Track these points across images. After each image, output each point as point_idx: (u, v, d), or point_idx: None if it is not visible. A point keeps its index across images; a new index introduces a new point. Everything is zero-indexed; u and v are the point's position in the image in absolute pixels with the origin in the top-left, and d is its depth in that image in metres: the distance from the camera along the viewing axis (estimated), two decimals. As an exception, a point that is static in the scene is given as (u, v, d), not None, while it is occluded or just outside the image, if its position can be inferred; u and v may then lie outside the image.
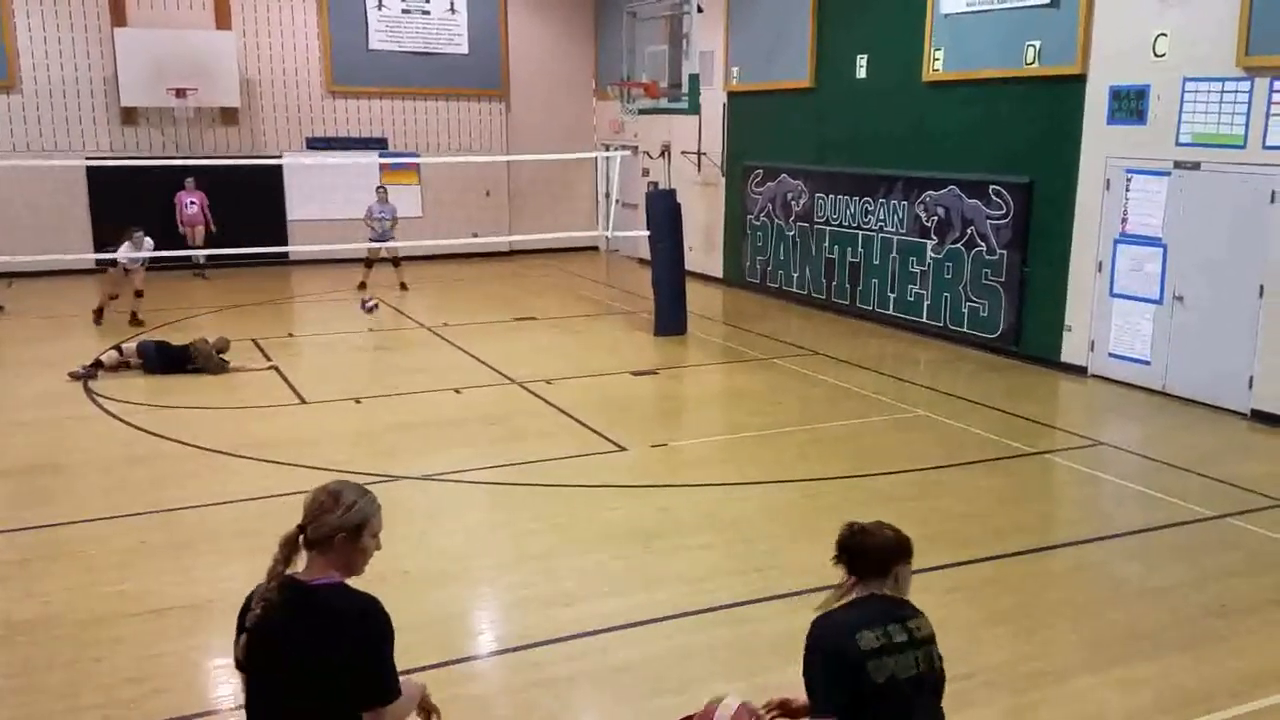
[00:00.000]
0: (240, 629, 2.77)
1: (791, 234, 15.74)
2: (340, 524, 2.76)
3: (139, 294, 13.99)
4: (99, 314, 13.67)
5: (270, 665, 2.71)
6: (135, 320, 13.63)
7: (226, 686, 5.11)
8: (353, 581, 2.84)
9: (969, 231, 12.47)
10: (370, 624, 2.74)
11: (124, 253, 13.67)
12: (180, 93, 17.49)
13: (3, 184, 16.60)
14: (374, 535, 2.88)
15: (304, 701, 2.69)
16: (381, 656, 2.74)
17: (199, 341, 11.40)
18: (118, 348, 11.34)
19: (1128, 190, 10.60)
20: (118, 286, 13.97)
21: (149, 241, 13.72)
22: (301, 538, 2.76)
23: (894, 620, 2.96)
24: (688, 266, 14.17)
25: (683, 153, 18.23)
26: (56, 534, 6.87)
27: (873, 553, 3.06)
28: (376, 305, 13.86)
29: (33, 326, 13.87)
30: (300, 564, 2.80)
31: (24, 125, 17.40)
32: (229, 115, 18.58)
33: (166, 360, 11.21)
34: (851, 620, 2.95)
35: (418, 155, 19.64)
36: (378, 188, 16.97)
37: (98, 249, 16.83)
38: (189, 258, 16.96)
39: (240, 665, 2.77)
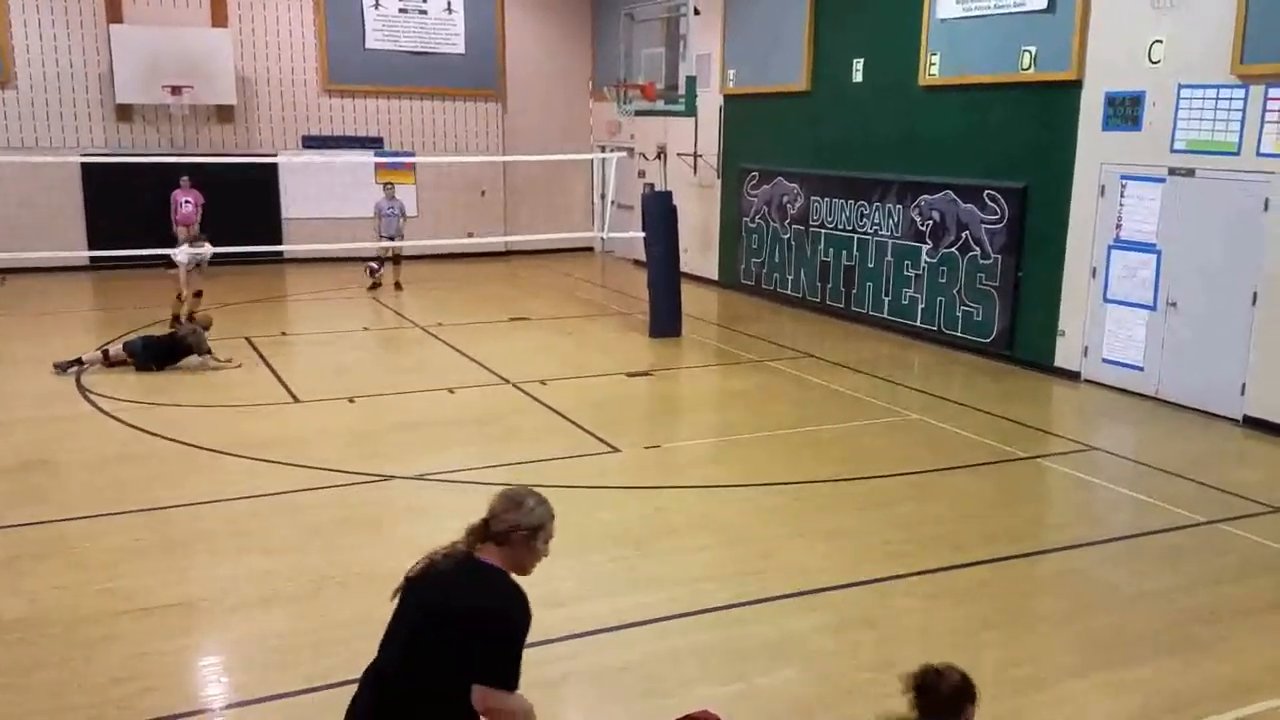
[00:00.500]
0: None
1: (787, 237, 15.76)
2: (519, 522, 3.10)
3: (197, 294, 13.67)
4: (176, 320, 13.10)
5: (414, 615, 3.04)
6: (179, 321, 13.21)
7: (217, 685, 5.12)
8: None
9: (964, 236, 12.50)
10: (515, 611, 3.01)
11: (183, 252, 13.39)
12: (176, 90, 17.47)
13: (-3, 180, 16.58)
14: (546, 540, 3.19)
15: (431, 655, 2.97)
16: (516, 644, 3.01)
17: (182, 324, 11.35)
18: (104, 350, 11.28)
19: (1122, 196, 10.63)
20: (182, 286, 13.54)
21: (208, 246, 13.50)
22: (485, 529, 3.10)
23: None
24: (683, 268, 14.18)
25: (679, 154, 18.24)
26: (47, 532, 6.85)
27: (949, 695, 3.20)
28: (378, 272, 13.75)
29: (27, 324, 13.84)
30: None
31: (19, 121, 17.36)
32: (225, 113, 18.55)
33: (156, 353, 11.17)
34: None
35: (413, 155, 19.62)
36: (385, 184, 16.97)
37: (92, 247, 16.82)
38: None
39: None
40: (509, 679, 2.99)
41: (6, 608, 5.72)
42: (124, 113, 17.95)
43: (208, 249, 13.43)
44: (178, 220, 16.88)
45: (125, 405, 9.80)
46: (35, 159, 16.48)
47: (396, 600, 3.16)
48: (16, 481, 7.86)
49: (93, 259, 16.75)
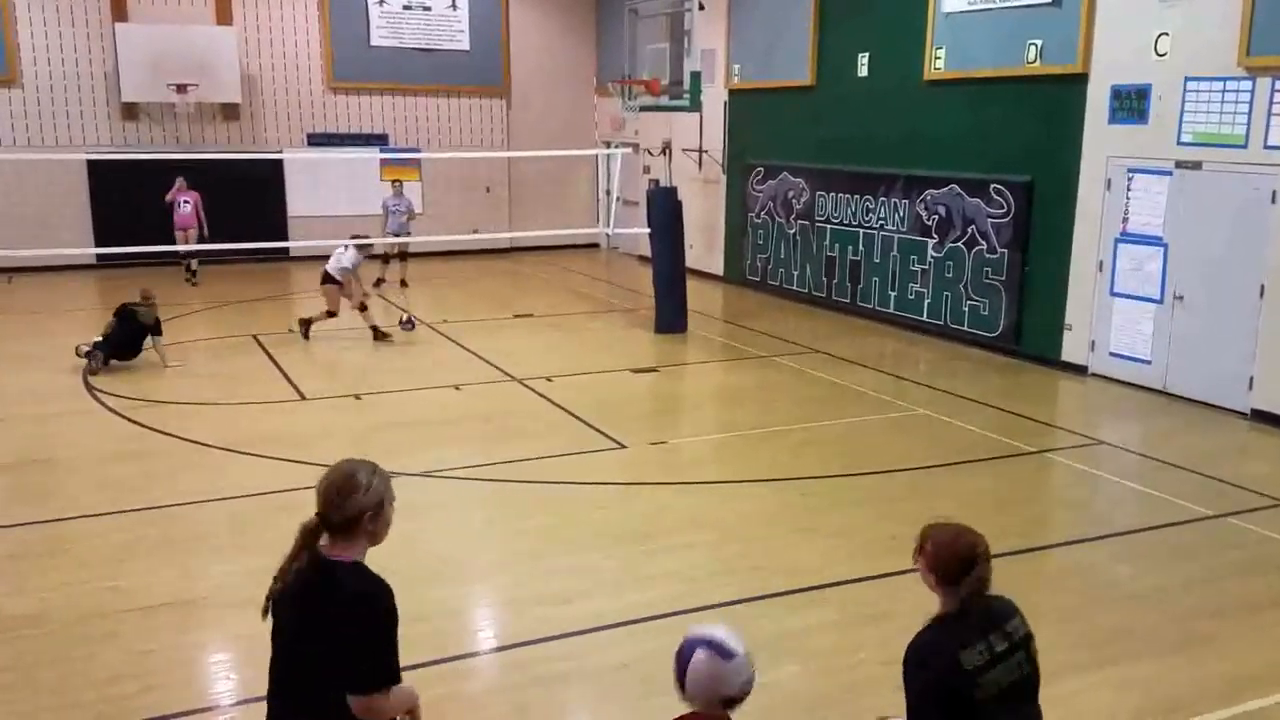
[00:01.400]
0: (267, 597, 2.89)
1: (792, 232, 15.72)
2: (364, 505, 2.87)
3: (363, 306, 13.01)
4: (306, 326, 12.71)
5: (285, 633, 2.87)
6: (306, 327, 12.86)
7: (219, 683, 5.12)
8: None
9: (970, 230, 12.45)
10: (376, 608, 2.82)
11: (332, 264, 12.79)
12: (181, 88, 17.48)
13: (3, 178, 16.60)
14: (391, 503, 3.00)
15: (307, 671, 2.80)
16: (379, 642, 2.80)
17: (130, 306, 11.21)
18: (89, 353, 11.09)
19: (1129, 190, 10.58)
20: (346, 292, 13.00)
21: (350, 252, 12.65)
22: (326, 524, 2.86)
23: (991, 630, 2.94)
24: (688, 264, 14.16)
25: (684, 150, 18.21)
26: (50, 530, 6.87)
27: (943, 559, 3.00)
28: (412, 323, 13.13)
29: (33, 322, 13.88)
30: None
31: (24, 120, 17.40)
32: (230, 111, 18.57)
33: (117, 343, 10.97)
34: (951, 641, 2.90)
35: (419, 151, 19.62)
36: (393, 181, 16.92)
37: (98, 244, 16.86)
38: (182, 258, 16.64)
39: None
40: (387, 676, 2.81)
41: (9, 605, 5.73)
42: (129, 111, 17.98)
43: (349, 253, 12.62)
44: (177, 224, 16.42)
45: (131, 403, 9.82)
46: (41, 157, 16.52)
47: (269, 618, 2.94)
48: (21, 478, 7.88)
49: (99, 257, 16.78)
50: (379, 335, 12.63)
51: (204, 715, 4.78)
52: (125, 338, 11.11)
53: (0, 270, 15.43)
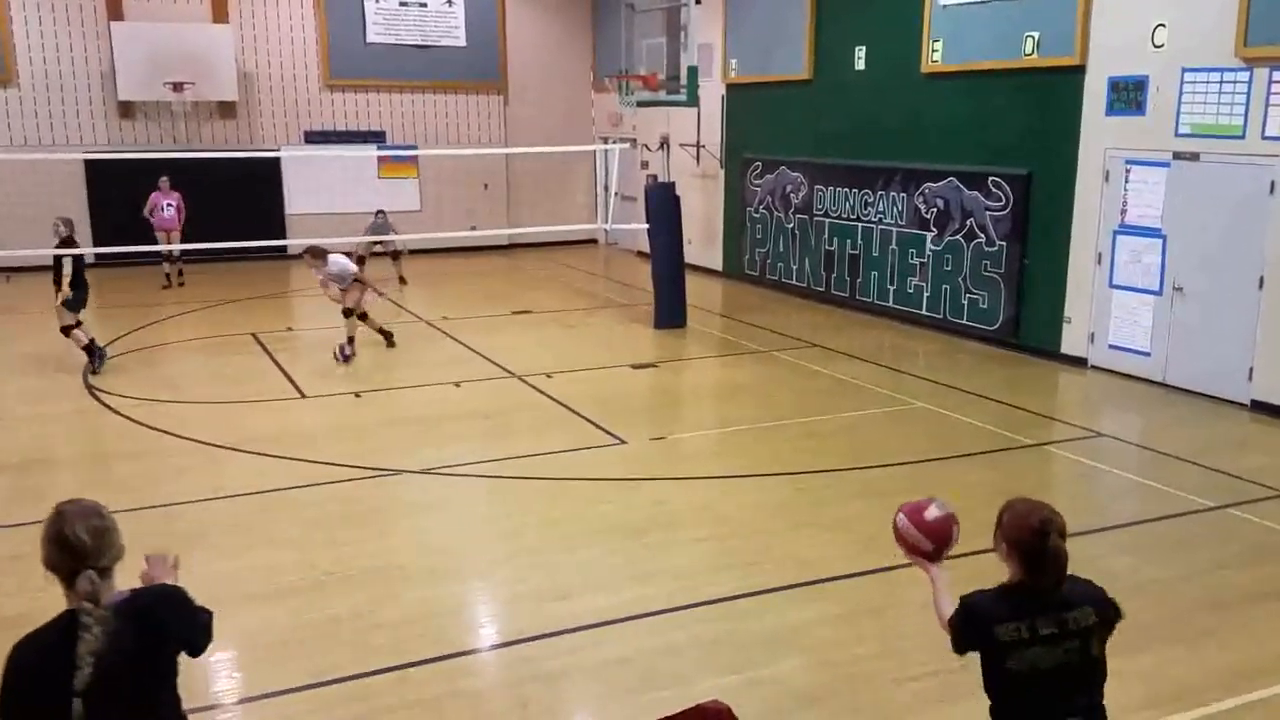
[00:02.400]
0: (62, 669, 2.64)
1: (791, 226, 15.71)
2: (119, 542, 2.86)
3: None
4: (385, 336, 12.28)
5: (117, 683, 2.67)
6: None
7: (221, 681, 5.12)
8: None
9: (968, 223, 12.45)
10: (181, 598, 3.00)
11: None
12: (177, 87, 17.47)
13: (1, 178, 16.56)
14: None
15: (149, 693, 2.81)
16: (198, 620, 3.04)
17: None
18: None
19: (1127, 181, 10.57)
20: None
21: (337, 259, 11.88)
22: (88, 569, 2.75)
23: (1043, 612, 2.95)
24: (687, 259, 14.14)
25: (681, 145, 18.20)
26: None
27: (1016, 534, 3.05)
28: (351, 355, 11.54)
29: (32, 321, 13.86)
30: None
31: (21, 119, 17.38)
32: (226, 109, 18.55)
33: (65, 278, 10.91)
34: (993, 612, 2.99)
35: (416, 148, 19.60)
36: (376, 212, 16.61)
37: (96, 244, 16.83)
38: (169, 259, 16.41)
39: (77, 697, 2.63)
40: (211, 631, 3.07)
41: (10, 605, 5.73)
42: (126, 110, 17.96)
43: (337, 260, 11.90)
44: (158, 225, 16.10)
45: (131, 402, 9.81)
46: (38, 157, 16.49)
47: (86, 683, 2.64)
48: (21, 478, 7.88)
49: (97, 256, 16.75)
50: (385, 336, 12.22)
51: (209, 713, 4.78)
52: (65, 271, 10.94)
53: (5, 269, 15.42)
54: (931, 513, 3.46)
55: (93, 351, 10.93)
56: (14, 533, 6.78)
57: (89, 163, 17.24)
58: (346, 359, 11.46)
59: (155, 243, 15.89)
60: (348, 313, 11.80)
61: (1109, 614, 3.08)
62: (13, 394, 10.34)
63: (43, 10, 17.31)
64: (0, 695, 2.62)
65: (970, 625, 3.02)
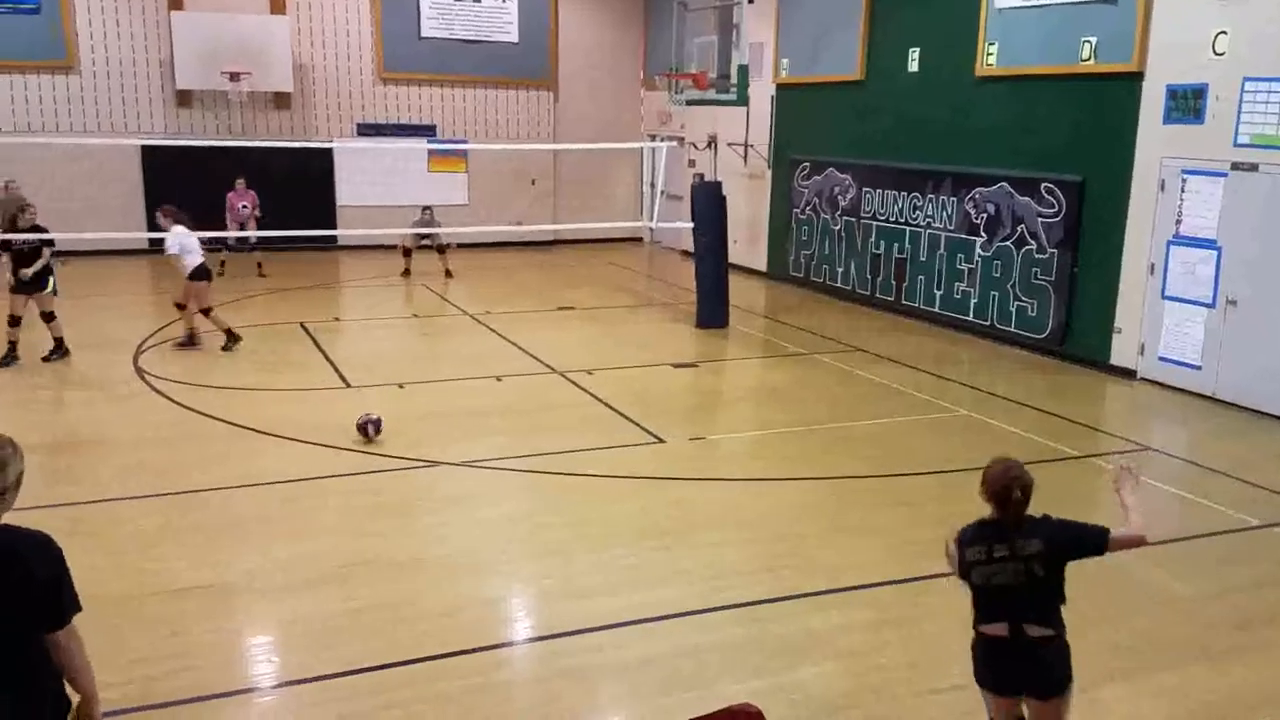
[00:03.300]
0: None
1: (837, 228, 15.61)
2: (16, 476, 3.03)
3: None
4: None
5: None
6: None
7: (252, 667, 5.19)
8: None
9: (1019, 229, 12.28)
10: (52, 551, 3.01)
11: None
12: (234, 77, 17.72)
13: (60, 163, 16.93)
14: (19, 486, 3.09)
15: (5, 634, 2.88)
16: (67, 579, 3.01)
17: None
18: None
19: (1182, 191, 10.37)
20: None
21: (179, 239, 11.60)
22: None
23: (1000, 540, 3.88)
24: (731, 259, 14.11)
25: (729, 144, 18.15)
26: (91, 510, 7.00)
27: (989, 484, 3.99)
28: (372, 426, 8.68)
29: (86, 304, 14.15)
30: None
31: (81, 106, 17.74)
32: (282, 100, 18.80)
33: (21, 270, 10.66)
34: (968, 536, 3.98)
35: (466, 142, 19.73)
36: (423, 208, 16.85)
37: (151, 229, 17.13)
38: (233, 247, 16.73)
39: None
40: (78, 602, 3.05)
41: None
42: (184, 98, 18.27)
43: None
44: (233, 220, 16.32)
45: (179, 386, 9.98)
46: (97, 142, 16.83)
47: None
48: (68, 459, 8.05)
49: (152, 241, 17.04)
50: (191, 341, 11.68)
51: (242, 697, 4.86)
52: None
53: (55, 253, 15.73)
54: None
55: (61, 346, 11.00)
56: (55, 512, 6.92)
57: (146, 149, 17.56)
58: (194, 344, 11.54)
59: (214, 227, 15.97)
60: (179, 306, 11.69)
61: (1061, 547, 3.92)
62: (65, 375, 10.56)
63: (105, -1, 17.68)
64: None
65: (958, 546, 3.97)
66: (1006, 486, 3.92)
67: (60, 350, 10.95)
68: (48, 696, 3.01)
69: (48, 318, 10.89)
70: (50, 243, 10.95)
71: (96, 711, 3.13)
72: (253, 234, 16.01)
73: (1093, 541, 4.00)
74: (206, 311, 11.52)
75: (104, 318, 13.18)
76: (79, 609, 3.06)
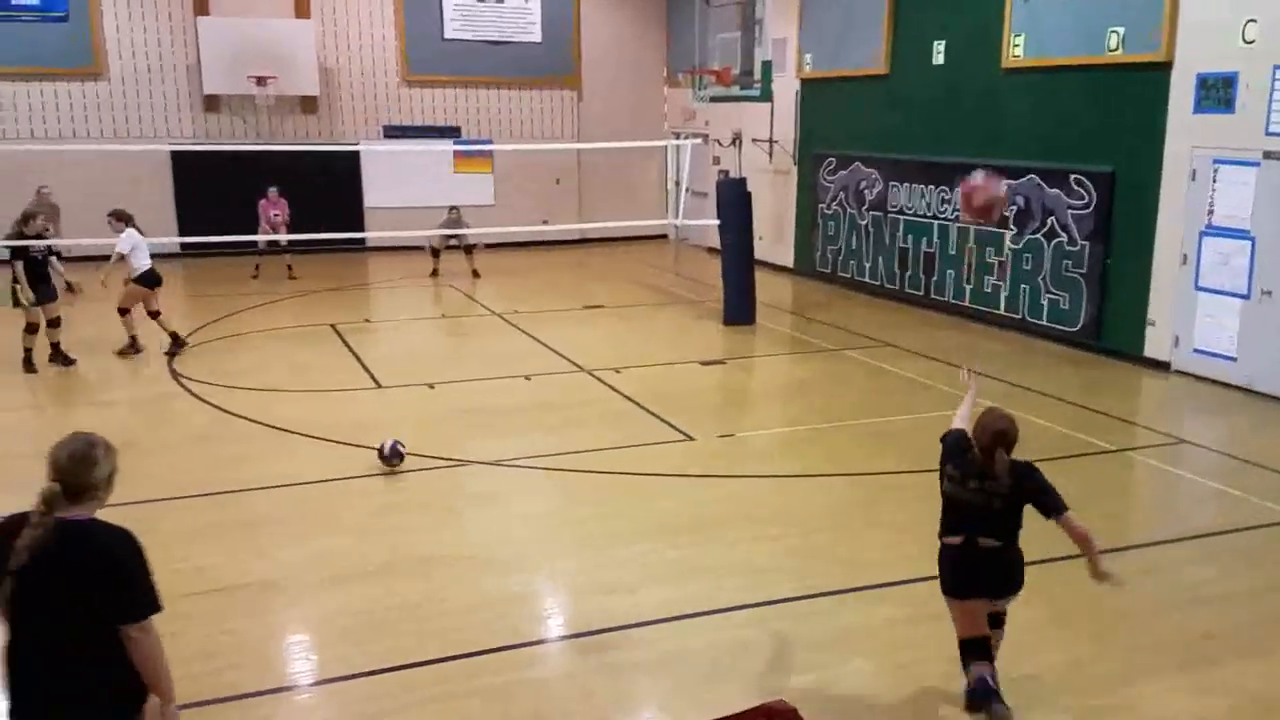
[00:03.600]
0: (4, 549, 3.03)
1: (864, 223, 15.54)
2: (101, 475, 3.23)
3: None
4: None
5: (41, 598, 3.03)
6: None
7: (289, 665, 5.24)
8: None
9: (1049, 222, 12.18)
10: (132, 546, 3.16)
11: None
12: (261, 81, 17.86)
13: (90, 169, 17.10)
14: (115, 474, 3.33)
15: (73, 626, 3.05)
16: (142, 574, 3.14)
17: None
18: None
19: (1214, 181, 10.26)
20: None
21: (129, 241, 11.57)
22: (65, 492, 3.13)
23: (975, 478, 4.46)
24: (757, 255, 14.09)
25: (754, 140, 18.11)
26: (130, 511, 7.03)
27: (979, 435, 4.50)
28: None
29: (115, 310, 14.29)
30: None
31: (110, 112, 17.94)
32: (308, 103, 18.93)
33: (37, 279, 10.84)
34: (953, 450, 4.63)
35: (490, 143, 19.79)
36: (450, 209, 16.92)
37: (181, 233, 17.32)
38: (263, 251, 16.84)
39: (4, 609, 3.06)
40: (156, 601, 3.17)
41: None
42: (211, 103, 18.43)
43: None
44: (265, 228, 16.32)
45: (213, 388, 10.08)
46: (126, 148, 17.00)
47: (9, 593, 3.05)
48: (109, 462, 8.12)
49: (182, 245, 17.24)
50: (133, 347, 11.48)
51: (280, 696, 4.90)
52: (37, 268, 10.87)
53: (88, 259, 15.92)
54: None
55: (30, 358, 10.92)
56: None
57: (175, 154, 17.72)
58: (137, 351, 11.39)
59: (244, 230, 16.06)
60: (122, 311, 11.49)
61: (1024, 498, 4.48)
62: (101, 378, 10.70)
63: (132, 5, 17.83)
64: None
65: (943, 449, 4.72)
66: (993, 443, 4.42)
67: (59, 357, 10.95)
68: (113, 691, 3.11)
69: (55, 323, 10.94)
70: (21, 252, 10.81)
71: (172, 712, 3.24)
72: (283, 237, 16.14)
73: (1051, 509, 4.47)
74: (124, 311, 11.45)
75: (136, 321, 13.30)
76: (158, 609, 3.16)
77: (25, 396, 10.14)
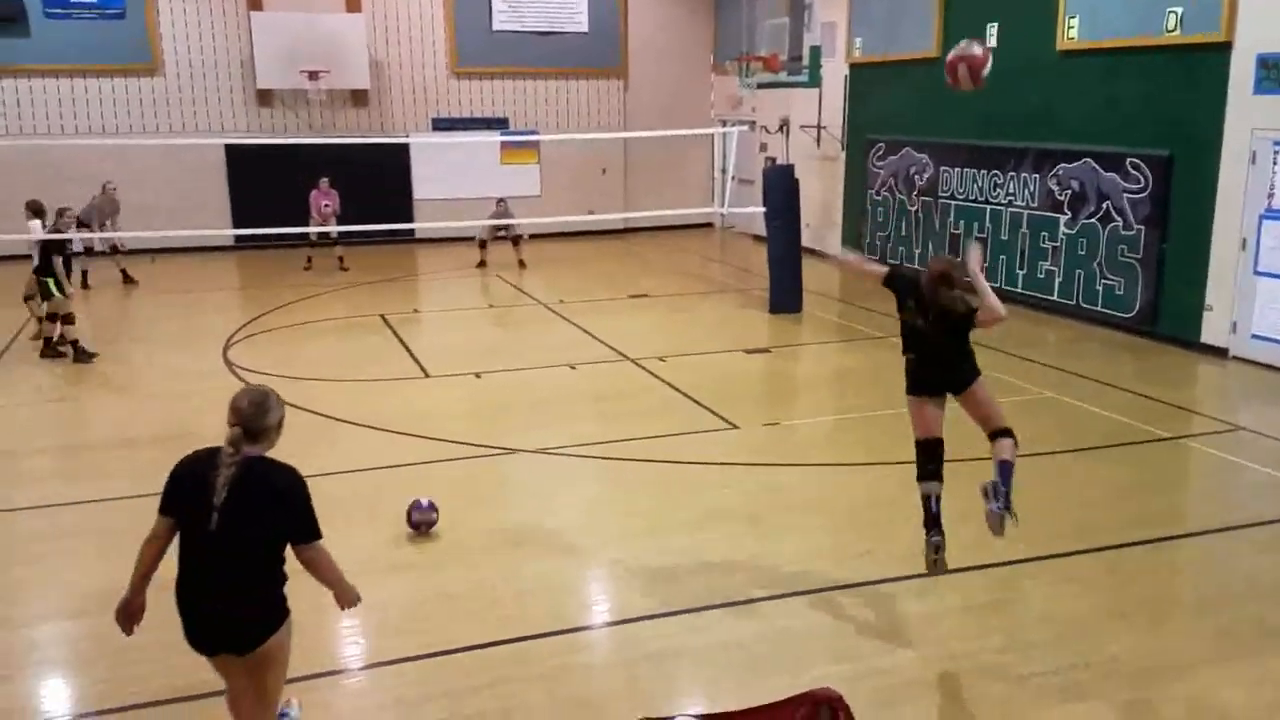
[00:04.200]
0: (188, 496, 3.74)
1: (914, 209, 15.37)
2: (276, 419, 3.86)
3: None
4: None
5: (234, 523, 3.63)
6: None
7: (354, 646, 5.32)
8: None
9: (1104, 206, 11.96)
10: (302, 480, 3.78)
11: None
12: (313, 75, 18.08)
13: (147, 163, 17.45)
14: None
15: (255, 546, 3.68)
16: (310, 503, 3.77)
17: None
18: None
19: (1275, 164, 10.00)
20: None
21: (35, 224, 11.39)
22: (245, 434, 3.75)
23: (921, 312, 5.32)
24: (804, 243, 13.99)
25: (802, 127, 17.98)
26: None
27: (927, 280, 5.28)
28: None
29: (175, 300, 14.61)
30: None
31: (166, 107, 18.26)
32: (359, 97, 19.13)
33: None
34: (902, 284, 5.55)
35: (537, 134, 19.86)
36: (498, 200, 17.02)
37: (236, 226, 17.61)
38: (314, 243, 17.00)
39: (190, 528, 3.72)
40: (318, 532, 3.79)
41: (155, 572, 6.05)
42: (264, 97, 18.69)
43: None
44: (316, 220, 16.45)
45: (266, 379, 10.24)
46: (182, 142, 17.33)
47: (214, 518, 3.64)
48: (161, 451, 8.24)
49: (236, 238, 17.54)
50: (51, 348, 11.16)
51: (331, 679, 4.98)
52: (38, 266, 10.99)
53: (144, 251, 16.26)
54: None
55: (51, 344, 11.09)
56: (151, 502, 7.14)
57: (229, 148, 18.03)
58: (61, 355, 11.06)
59: (298, 222, 16.23)
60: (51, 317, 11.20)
61: (956, 324, 5.28)
62: (157, 369, 10.92)
63: (187, 2, 18.13)
64: (167, 490, 3.82)
65: (893, 283, 5.59)
66: (935, 284, 5.20)
67: (63, 349, 11.04)
68: (277, 601, 3.81)
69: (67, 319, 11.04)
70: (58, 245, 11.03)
71: (350, 593, 3.97)
72: (334, 229, 16.32)
73: (968, 320, 5.24)
74: (29, 298, 11.46)
75: (193, 312, 13.57)
76: (320, 535, 3.81)
77: (75, 387, 10.38)
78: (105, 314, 13.83)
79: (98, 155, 16.42)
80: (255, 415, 3.78)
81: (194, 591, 3.74)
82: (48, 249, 10.99)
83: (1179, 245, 11.12)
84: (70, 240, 11.14)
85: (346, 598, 3.95)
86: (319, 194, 16.51)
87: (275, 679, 3.89)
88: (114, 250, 15.60)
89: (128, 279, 15.57)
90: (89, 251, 15.32)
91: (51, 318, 11.14)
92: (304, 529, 3.74)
